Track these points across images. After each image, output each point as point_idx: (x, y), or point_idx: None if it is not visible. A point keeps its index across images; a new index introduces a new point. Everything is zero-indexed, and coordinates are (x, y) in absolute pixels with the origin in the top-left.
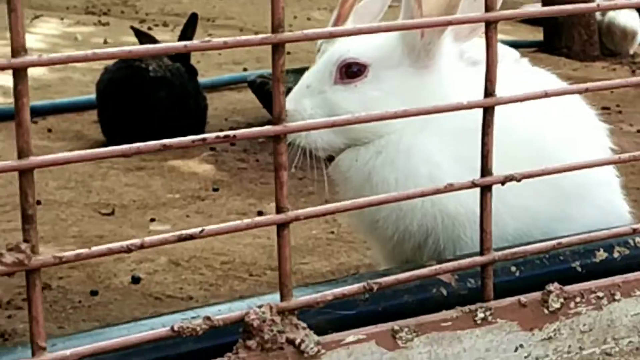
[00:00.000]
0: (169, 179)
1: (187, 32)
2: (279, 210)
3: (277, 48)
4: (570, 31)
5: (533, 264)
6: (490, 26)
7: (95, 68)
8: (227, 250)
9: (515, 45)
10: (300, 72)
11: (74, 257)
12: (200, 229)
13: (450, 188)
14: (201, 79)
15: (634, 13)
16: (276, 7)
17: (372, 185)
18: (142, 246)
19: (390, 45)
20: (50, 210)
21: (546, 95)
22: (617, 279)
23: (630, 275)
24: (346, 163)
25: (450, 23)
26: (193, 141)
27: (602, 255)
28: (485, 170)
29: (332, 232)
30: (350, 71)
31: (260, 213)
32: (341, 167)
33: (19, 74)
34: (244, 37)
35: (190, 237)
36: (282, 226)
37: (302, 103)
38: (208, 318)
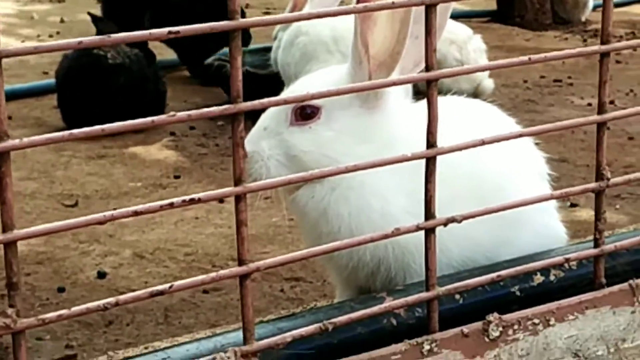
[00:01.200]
0: (130, 166)
1: (146, 14)
2: (240, 262)
3: (236, 117)
4: (523, 0)
5: (475, 290)
6: (431, 84)
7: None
8: (189, 241)
9: (468, 15)
10: (255, 52)
11: (55, 317)
12: (169, 284)
13: (396, 232)
14: (160, 59)
15: None
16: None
17: (327, 220)
18: (117, 304)
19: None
20: (15, 202)
21: (483, 143)
22: (552, 305)
23: (564, 302)
24: (303, 199)
25: (394, 83)
26: (161, 207)
27: (539, 279)
28: (429, 214)
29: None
30: (305, 113)
31: (221, 201)
32: (299, 203)
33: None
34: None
35: (160, 293)
36: (244, 277)
37: (260, 145)
38: None
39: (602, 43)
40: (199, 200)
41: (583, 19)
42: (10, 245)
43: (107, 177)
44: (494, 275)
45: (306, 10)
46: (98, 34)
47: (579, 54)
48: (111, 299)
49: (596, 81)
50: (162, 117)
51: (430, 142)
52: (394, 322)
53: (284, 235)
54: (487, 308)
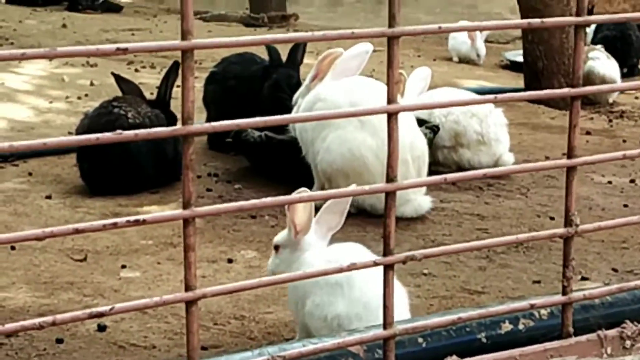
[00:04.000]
0: (142, 225)
1: (169, 78)
2: (187, 288)
3: (187, 140)
4: (550, 79)
5: (440, 335)
6: (391, 117)
7: (79, 111)
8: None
9: (496, 91)
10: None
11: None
12: (110, 307)
13: (352, 267)
14: None
15: (613, 62)
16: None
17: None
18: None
19: (284, 238)
20: (24, 255)
21: None
22: (515, 351)
23: (528, 349)
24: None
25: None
26: (104, 226)
27: (507, 327)
28: (387, 249)
29: None
30: (276, 246)
31: (230, 261)
32: None
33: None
34: None
35: (101, 315)
36: (190, 303)
37: None
38: None
39: (571, 86)
40: (144, 222)
41: (610, 100)
42: None
43: (120, 234)
44: (454, 317)
45: (328, 79)
46: (122, 94)
47: (546, 95)
48: (48, 318)
49: (619, 162)
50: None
51: (390, 177)
52: None
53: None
54: (451, 354)
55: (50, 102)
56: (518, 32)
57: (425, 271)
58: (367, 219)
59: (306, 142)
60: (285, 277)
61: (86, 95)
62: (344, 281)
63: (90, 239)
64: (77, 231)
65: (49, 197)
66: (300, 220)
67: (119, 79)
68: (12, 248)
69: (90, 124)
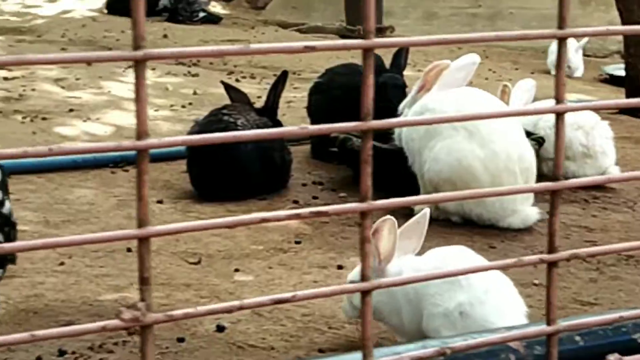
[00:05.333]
0: (253, 230)
1: (277, 88)
2: (363, 278)
3: (366, 134)
4: None
5: (596, 334)
6: (367, 134)
7: (184, 119)
8: (307, 303)
9: (596, 107)
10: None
11: (182, 315)
12: (292, 293)
13: (519, 264)
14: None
15: None
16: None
17: None
18: (241, 307)
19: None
20: None
21: None
22: None
23: None
24: None
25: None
26: (288, 216)
27: None
28: (552, 247)
29: None
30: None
31: (340, 267)
32: None
33: (142, 154)
34: None
35: (286, 301)
36: (365, 293)
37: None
38: None
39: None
40: (326, 213)
41: None
42: (143, 241)
43: (231, 239)
44: (616, 315)
45: (434, 89)
46: (231, 102)
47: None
48: (235, 303)
49: None
50: (302, 210)
51: (556, 176)
52: (512, 358)
53: None
54: (607, 353)
55: (156, 110)
56: (616, 46)
57: (536, 281)
58: (473, 229)
59: (413, 151)
60: (409, 279)
61: (190, 104)
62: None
63: (203, 243)
64: (263, 220)
65: (160, 201)
66: (384, 247)
67: (228, 87)
68: (128, 250)
69: (201, 131)
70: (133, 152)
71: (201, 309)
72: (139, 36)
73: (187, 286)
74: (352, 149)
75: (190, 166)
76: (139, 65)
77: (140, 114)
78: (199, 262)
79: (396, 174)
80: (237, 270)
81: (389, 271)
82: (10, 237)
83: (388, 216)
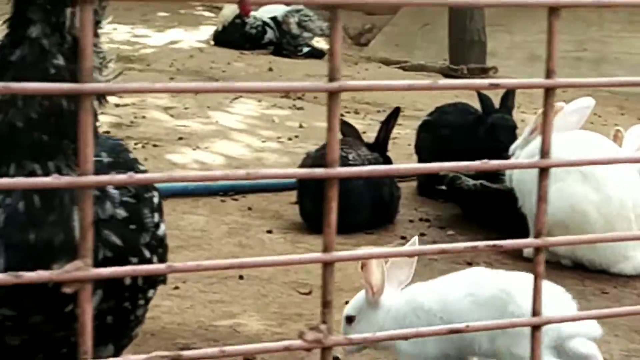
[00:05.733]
0: (499, 249)
1: (389, 124)
2: (535, 313)
3: (543, 171)
4: None
5: None
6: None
7: (291, 151)
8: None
9: None
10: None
11: (361, 339)
12: (464, 324)
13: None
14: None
15: None
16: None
17: None
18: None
19: (359, 305)
20: (252, 285)
21: None
22: None
23: None
24: None
25: None
26: (467, 248)
27: None
28: None
29: None
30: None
31: None
32: None
33: (331, 182)
34: None
35: (458, 331)
36: (535, 328)
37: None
38: None
39: None
40: (500, 247)
41: None
42: (328, 265)
43: (340, 271)
44: None
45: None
46: (342, 136)
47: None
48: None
49: None
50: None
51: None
52: None
53: None
54: None
55: (263, 142)
56: None
57: None
58: (584, 273)
59: (523, 193)
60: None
61: (296, 136)
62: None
63: (313, 274)
64: (442, 251)
65: (269, 231)
66: (376, 280)
67: (340, 121)
68: (240, 277)
69: (313, 163)
70: (243, 182)
71: (380, 334)
72: (334, 68)
73: (299, 316)
74: (461, 188)
75: (301, 198)
76: (333, 97)
77: (331, 143)
78: (310, 293)
79: (505, 215)
80: (347, 302)
81: (383, 303)
82: (163, 259)
83: (374, 248)
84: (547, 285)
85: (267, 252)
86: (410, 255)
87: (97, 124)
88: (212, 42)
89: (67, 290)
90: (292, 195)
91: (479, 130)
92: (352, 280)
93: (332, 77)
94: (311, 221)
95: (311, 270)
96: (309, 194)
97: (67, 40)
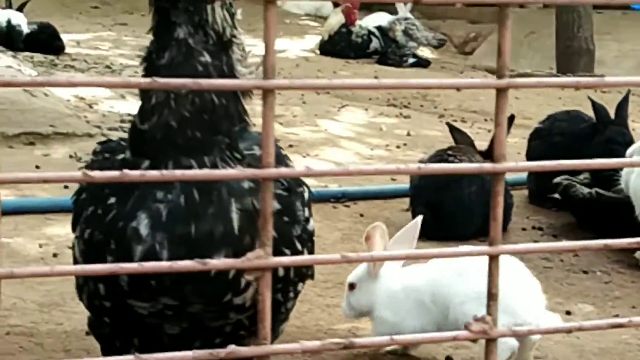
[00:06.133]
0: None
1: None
2: None
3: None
4: None
5: None
6: None
7: (399, 159)
8: (538, 346)
9: None
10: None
11: (526, 332)
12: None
13: None
14: (507, 176)
15: None
16: None
17: None
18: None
19: (361, 274)
20: None
21: None
22: None
23: None
24: None
25: None
26: (630, 243)
27: None
28: None
29: None
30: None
31: (568, 313)
32: None
33: (498, 176)
34: None
35: (620, 325)
36: None
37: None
38: None
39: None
40: (609, 246)
41: None
42: (494, 258)
43: None
44: None
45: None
46: (455, 143)
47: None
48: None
49: None
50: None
51: None
52: None
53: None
54: None
55: (372, 149)
56: None
57: None
58: None
59: None
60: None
61: (404, 144)
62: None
63: None
64: (606, 247)
65: None
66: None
67: (452, 129)
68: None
69: (420, 176)
70: (354, 189)
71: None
72: (503, 66)
73: None
74: (575, 196)
75: (414, 205)
76: (501, 93)
77: (499, 137)
78: None
79: (621, 223)
80: None
81: (382, 274)
82: (312, 253)
83: (378, 223)
84: (510, 264)
85: (384, 260)
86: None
87: (248, 117)
88: (317, 52)
89: (248, 277)
90: (403, 202)
91: (594, 140)
92: None
93: (500, 74)
94: (423, 227)
95: None
96: (422, 201)
97: (211, 35)
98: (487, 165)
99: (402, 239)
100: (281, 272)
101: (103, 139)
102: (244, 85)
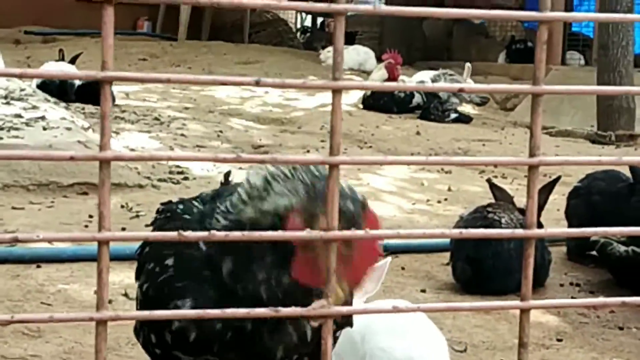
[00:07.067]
0: (514, 324)
1: (548, 191)
2: None
3: None
4: None
5: None
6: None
7: (440, 214)
8: None
9: None
10: None
11: None
12: None
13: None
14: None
15: None
16: None
17: None
18: None
19: None
20: None
21: None
22: None
23: None
24: None
25: None
26: None
27: None
28: None
29: None
30: None
31: None
32: None
33: None
34: None
35: None
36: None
37: None
38: None
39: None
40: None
41: None
42: (524, 312)
43: (493, 331)
44: None
45: None
46: (495, 200)
47: None
48: None
49: None
50: None
51: None
52: None
53: None
54: None
55: (413, 204)
56: None
57: None
58: None
59: None
60: None
61: (445, 199)
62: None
63: (467, 332)
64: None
65: (423, 290)
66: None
67: (492, 186)
68: None
69: (466, 226)
70: (396, 242)
71: None
72: (535, 145)
73: None
74: (612, 254)
75: (454, 259)
76: (532, 170)
77: (531, 209)
78: (464, 350)
79: None
80: None
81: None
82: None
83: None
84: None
85: (422, 311)
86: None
87: None
88: (360, 106)
89: (313, 324)
90: (443, 257)
91: (632, 199)
92: (504, 340)
93: (532, 153)
94: (463, 282)
95: (464, 329)
96: (462, 256)
97: None
98: (519, 231)
99: (371, 277)
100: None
101: (153, 190)
102: (315, 161)
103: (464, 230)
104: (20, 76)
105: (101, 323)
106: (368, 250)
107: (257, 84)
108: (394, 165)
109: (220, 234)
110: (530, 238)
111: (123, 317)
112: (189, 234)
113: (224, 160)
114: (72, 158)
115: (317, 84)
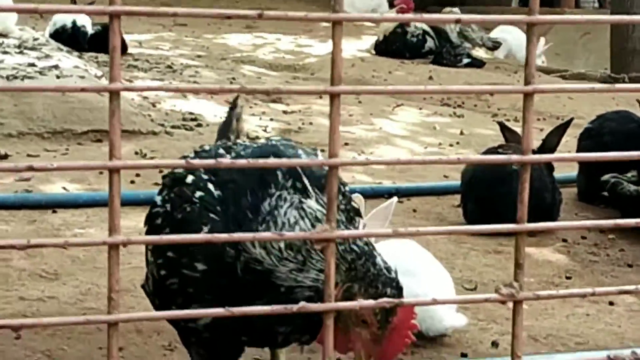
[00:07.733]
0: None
1: (559, 133)
2: None
3: None
4: None
5: None
6: None
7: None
8: (580, 332)
9: None
10: None
11: (547, 295)
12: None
13: None
14: (557, 174)
15: None
16: None
17: None
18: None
19: None
20: None
21: None
22: None
23: None
24: None
25: None
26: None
27: None
28: None
29: None
30: None
31: (611, 303)
32: None
33: None
34: None
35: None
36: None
37: None
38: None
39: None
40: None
41: None
42: (520, 234)
43: (503, 270)
44: None
45: None
46: (505, 142)
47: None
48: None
49: None
50: None
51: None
52: None
53: None
54: None
55: (425, 148)
56: None
57: None
58: None
59: None
60: None
61: (457, 143)
62: None
63: (477, 272)
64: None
65: None
66: None
67: (503, 127)
68: None
69: (476, 169)
70: (407, 185)
71: (562, 292)
72: (530, 74)
73: (465, 309)
74: (623, 193)
75: (465, 200)
76: (527, 98)
77: (527, 135)
78: (475, 289)
79: None
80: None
81: None
82: None
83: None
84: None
85: (433, 251)
86: None
87: None
88: (373, 52)
89: (316, 247)
90: (454, 199)
91: None
92: (508, 275)
93: (527, 82)
94: (474, 223)
95: (475, 268)
96: (473, 197)
97: None
98: (515, 157)
99: (379, 215)
100: None
101: (167, 137)
102: (315, 90)
103: (461, 157)
104: (35, 12)
105: (113, 247)
106: (400, 335)
107: (260, 17)
108: (396, 94)
109: (227, 161)
110: (526, 163)
111: (134, 241)
112: (196, 162)
113: (230, 90)
114: (83, 89)
115: (318, 17)
